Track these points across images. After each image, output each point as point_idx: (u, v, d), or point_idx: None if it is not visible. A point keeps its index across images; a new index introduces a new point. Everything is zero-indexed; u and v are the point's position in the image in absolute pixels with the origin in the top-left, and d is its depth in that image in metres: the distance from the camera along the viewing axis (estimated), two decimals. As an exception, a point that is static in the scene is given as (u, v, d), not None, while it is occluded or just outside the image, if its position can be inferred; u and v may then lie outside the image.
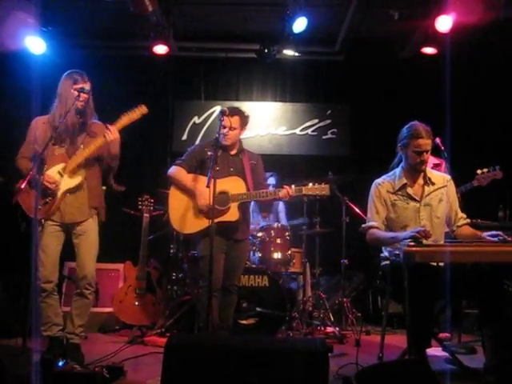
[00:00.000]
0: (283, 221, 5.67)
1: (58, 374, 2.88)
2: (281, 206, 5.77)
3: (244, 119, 4.07)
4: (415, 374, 2.45)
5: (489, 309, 3.11)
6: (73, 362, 3.37)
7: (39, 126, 3.76)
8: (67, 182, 3.67)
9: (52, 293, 3.67)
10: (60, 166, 3.68)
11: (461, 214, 3.56)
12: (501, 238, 3.16)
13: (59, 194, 3.65)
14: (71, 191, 3.70)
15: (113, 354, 3.60)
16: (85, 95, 3.70)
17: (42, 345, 3.69)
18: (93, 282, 3.73)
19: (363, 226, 3.57)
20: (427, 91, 6.13)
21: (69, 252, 3.80)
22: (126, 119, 3.71)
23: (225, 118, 3.87)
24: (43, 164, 3.50)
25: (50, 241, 3.67)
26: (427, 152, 3.42)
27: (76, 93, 3.65)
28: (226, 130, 3.96)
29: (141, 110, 3.74)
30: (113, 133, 3.63)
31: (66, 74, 3.76)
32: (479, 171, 4.51)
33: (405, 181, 3.51)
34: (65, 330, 3.70)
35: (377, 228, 3.48)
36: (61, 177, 3.66)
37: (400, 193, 3.51)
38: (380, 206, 3.52)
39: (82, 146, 3.72)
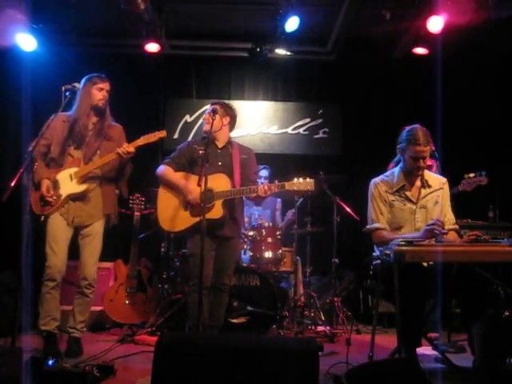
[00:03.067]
0: (278, 220, 5.67)
1: (48, 373, 2.87)
2: (278, 205, 5.76)
3: (223, 109, 4.05)
4: (405, 372, 2.46)
5: (474, 308, 3.13)
6: (72, 354, 3.62)
7: (58, 124, 3.78)
8: (73, 187, 3.74)
9: (57, 285, 3.71)
10: (73, 170, 3.76)
11: (449, 217, 3.55)
12: (479, 237, 3.18)
13: (62, 197, 3.72)
14: (74, 197, 3.76)
15: (103, 353, 3.58)
16: (105, 94, 3.84)
17: (31, 343, 3.69)
18: (93, 282, 3.85)
19: (368, 227, 3.53)
20: (418, 91, 6.16)
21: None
22: (143, 139, 3.82)
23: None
24: (33, 162, 3.52)
25: (60, 232, 3.73)
26: (424, 158, 3.41)
27: (96, 92, 3.79)
28: (205, 116, 4.10)
29: (159, 135, 3.86)
30: (129, 151, 3.73)
31: (85, 77, 3.85)
32: (466, 176, 4.44)
33: (403, 182, 3.51)
34: (63, 326, 3.78)
35: (384, 229, 3.45)
36: (70, 180, 3.74)
37: (398, 194, 3.51)
38: (382, 207, 3.50)
39: (98, 152, 3.81)
